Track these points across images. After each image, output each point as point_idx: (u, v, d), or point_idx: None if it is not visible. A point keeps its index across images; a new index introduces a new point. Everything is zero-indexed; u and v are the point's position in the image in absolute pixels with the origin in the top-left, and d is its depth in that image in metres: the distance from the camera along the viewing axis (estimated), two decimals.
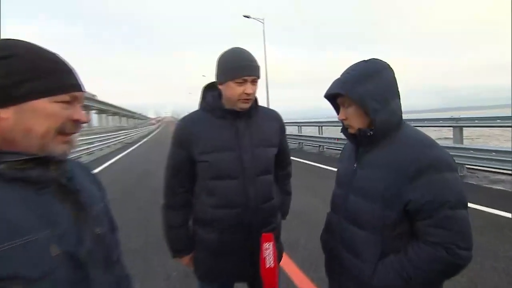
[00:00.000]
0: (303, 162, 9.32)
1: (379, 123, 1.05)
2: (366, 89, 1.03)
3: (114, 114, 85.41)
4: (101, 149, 15.81)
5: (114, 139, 19.97)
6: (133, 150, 17.34)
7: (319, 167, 8.54)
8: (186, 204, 1.48)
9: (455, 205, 0.98)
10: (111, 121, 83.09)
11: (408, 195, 0.99)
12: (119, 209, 5.05)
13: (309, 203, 5.10)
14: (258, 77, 1.35)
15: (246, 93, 1.31)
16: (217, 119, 1.38)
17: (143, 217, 4.83)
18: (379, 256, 1.06)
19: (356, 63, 1.10)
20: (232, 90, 1.32)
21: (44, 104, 0.71)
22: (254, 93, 1.35)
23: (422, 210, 0.99)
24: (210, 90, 1.45)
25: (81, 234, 0.76)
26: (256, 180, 1.39)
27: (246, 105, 1.35)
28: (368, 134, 1.08)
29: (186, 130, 1.40)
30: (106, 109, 71.19)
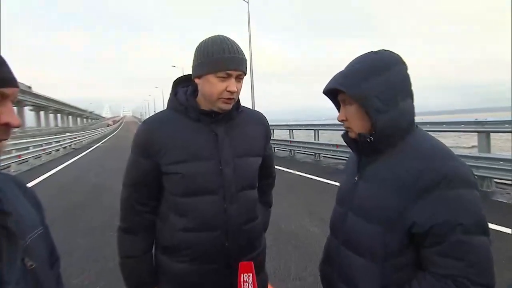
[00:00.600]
0: (296, 174, 9.37)
1: (382, 127, 1.07)
2: (370, 85, 1.05)
3: (57, 111, 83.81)
4: (38, 157, 15.48)
5: (57, 144, 19.60)
6: (81, 157, 17.05)
7: (315, 180, 8.60)
8: (149, 227, 1.46)
9: (470, 230, 0.97)
10: (53, 121, 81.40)
11: (414, 215, 1.00)
12: (61, 234, 4.95)
13: (303, 224, 5.12)
14: (245, 73, 1.37)
15: (229, 91, 1.32)
16: (191, 122, 1.39)
17: (93, 244, 4.74)
18: None
19: (363, 55, 1.12)
20: (212, 86, 1.32)
21: None
22: (238, 91, 1.36)
23: (430, 234, 0.99)
24: (182, 85, 1.46)
25: (5, 270, 0.73)
26: (238, 196, 1.39)
27: (228, 106, 1.36)
28: (368, 139, 1.10)
29: (152, 135, 1.38)
30: (45, 105, 69.68)
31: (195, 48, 1.37)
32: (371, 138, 1.09)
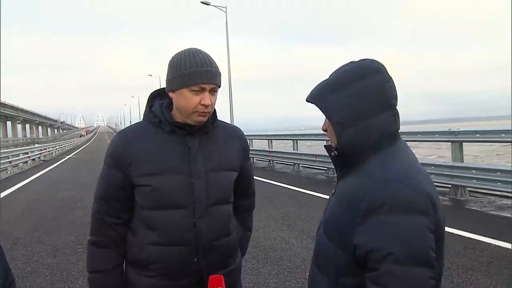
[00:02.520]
0: (275, 185, 9.36)
1: (344, 141, 1.06)
2: (336, 98, 1.05)
3: (25, 121, 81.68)
4: (3, 170, 15.00)
5: (25, 156, 19.03)
6: (51, 170, 16.64)
7: (294, 190, 8.65)
8: (120, 240, 1.44)
9: (402, 260, 0.91)
10: (21, 132, 79.23)
11: (357, 237, 0.98)
12: (27, 253, 4.80)
13: (282, 236, 5.08)
14: (219, 86, 1.38)
15: (203, 104, 1.33)
16: (165, 134, 1.39)
17: (62, 263, 4.54)
18: None
19: (344, 64, 1.12)
20: (186, 100, 1.33)
21: None
22: (213, 104, 1.37)
23: (368, 259, 0.96)
24: (159, 98, 1.46)
25: None
26: (209, 210, 1.39)
27: (203, 119, 1.37)
28: (332, 154, 1.11)
29: (125, 147, 1.38)
30: (13, 114, 67.80)
31: (168, 61, 1.37)
32: (335, 152, 1.10)
